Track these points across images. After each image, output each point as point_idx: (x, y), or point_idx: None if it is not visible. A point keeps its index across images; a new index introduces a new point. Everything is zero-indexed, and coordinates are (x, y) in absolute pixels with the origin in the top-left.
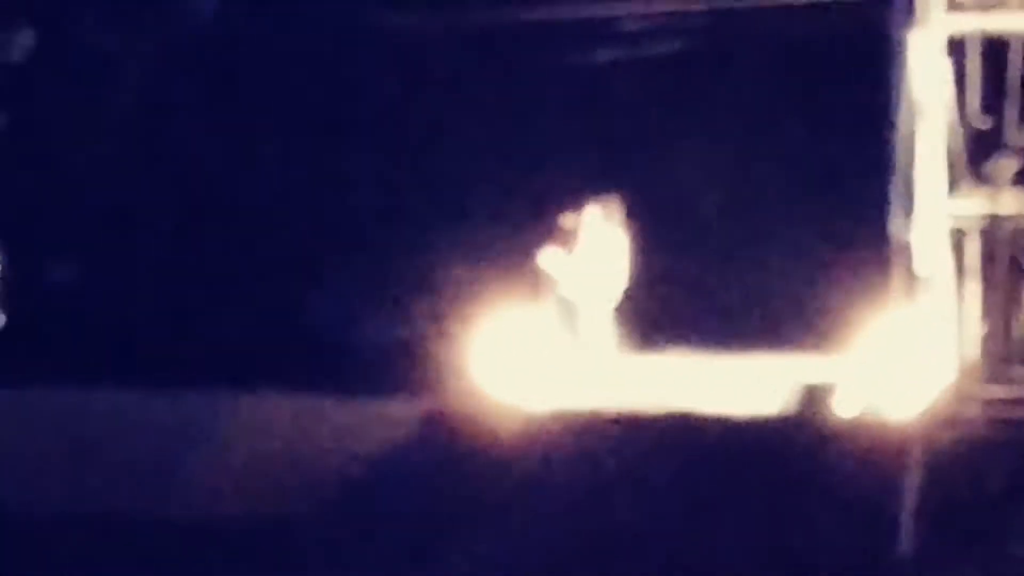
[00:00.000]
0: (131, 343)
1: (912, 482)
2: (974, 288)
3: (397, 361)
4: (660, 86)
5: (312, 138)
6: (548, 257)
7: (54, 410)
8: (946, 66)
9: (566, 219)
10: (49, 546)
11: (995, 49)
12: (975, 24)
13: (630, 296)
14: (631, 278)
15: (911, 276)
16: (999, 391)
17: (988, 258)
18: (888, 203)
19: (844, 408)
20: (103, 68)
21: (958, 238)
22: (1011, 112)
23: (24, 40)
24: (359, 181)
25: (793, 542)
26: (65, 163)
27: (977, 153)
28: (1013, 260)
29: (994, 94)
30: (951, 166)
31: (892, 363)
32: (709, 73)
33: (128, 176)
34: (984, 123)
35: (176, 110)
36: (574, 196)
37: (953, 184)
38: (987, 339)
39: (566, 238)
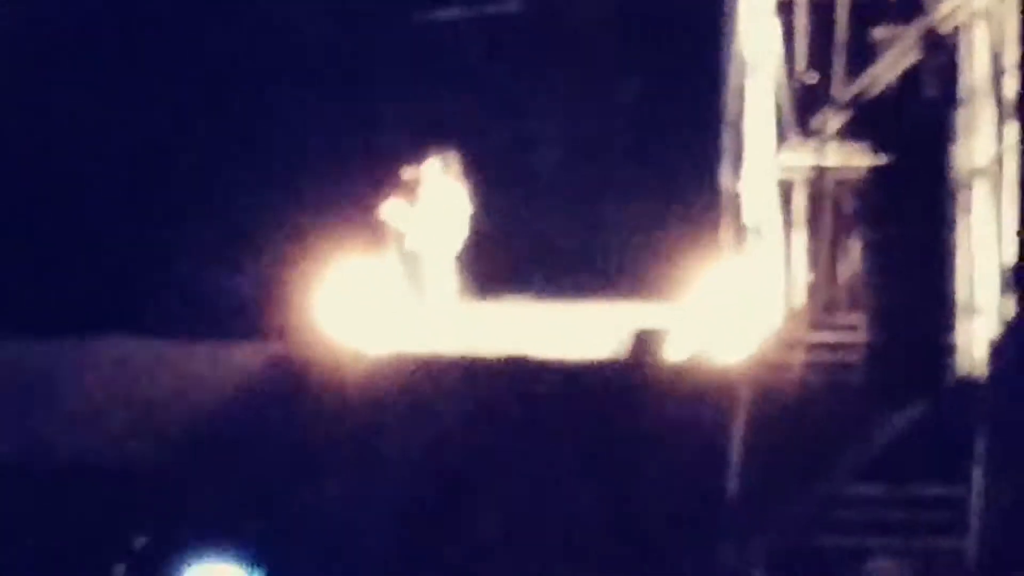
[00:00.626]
0: (12, 300)
1: (741, 424)
2: (801, 237)
3: (247, 309)
4: (500, 43)
5: (166, 94)
6: (390, 208)
7: None
8: (775, 23)
9: (407, 172)
10: None
11: (822, 7)
12: None
13: (469, 245)
14: (471, 228)
15: (740, 226)
16: (824, 336)
17: (814, 209)
18: (719, 155)
19: (676, 352)
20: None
21: (786, 189)
22: (838, 67)
23: None
24: (214, 133)
25: (628, 483)
26: None
27: (804, 107)
28: (838, 210)
29: (821, 50)
30: (779, 120)
31: (722, 309)
32: (546, 30)
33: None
34: (811, 78)
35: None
36: (416, 150)
37: (781, 137)
38: (813, 287)
39: (408, 190)
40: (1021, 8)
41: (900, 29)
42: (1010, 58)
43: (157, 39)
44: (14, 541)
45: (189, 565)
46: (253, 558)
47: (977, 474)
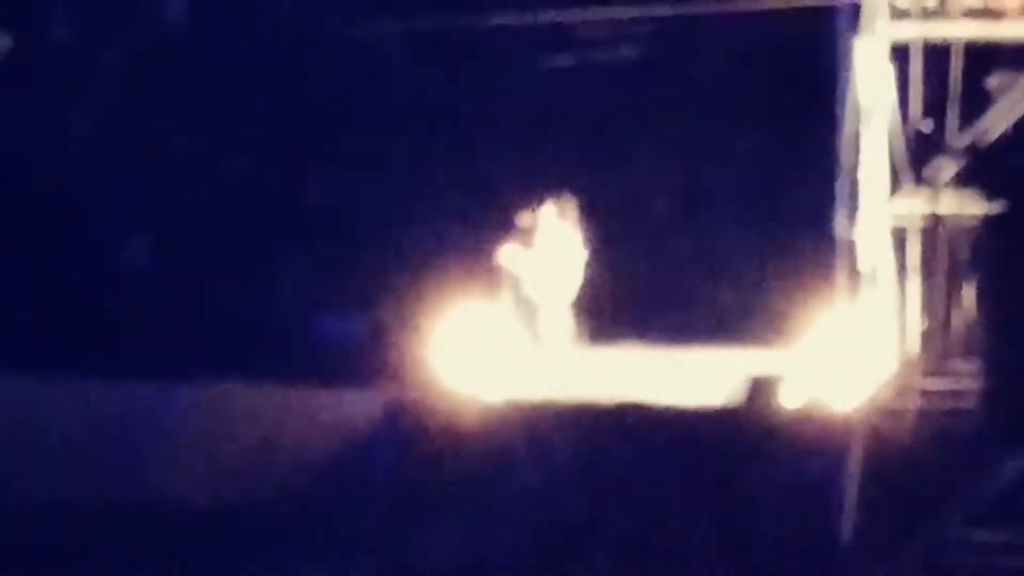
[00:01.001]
0: (101, 335)
1: (854, 471)
2: (915, 285)
3: (361, 354)
4: (616, 91)
5: (279, 138)
6: (507, 254)
7: (20, 399)
8: (890, 72)
9: (524, 218)
10: (16, 535)
11: (937, 55)
12: (918, 31)
13: (585, 292)
14: (586, 275)
15: (855, 274)
16: (938, 384)
17: (928, 256)
18: (834, 204)
19: (790, 399)
20: (75, 69)
21: (900, 237)
22: (952, 116)
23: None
24: (326, 181)
25: (741, 529)
26: (41, 158)
27: (919, 155)
28: (952, 258)
29: (935, 98)
30: (894, 168)
31: (836, 357)
32: (662, 78)
33: (104, 173)
34: (926, 127)
35: (147, 109)
36: (533, 197)
37: (896, 185)
38: (927, 334)
39: (524, 236)
40: None
41: (1014, 77)
42: None
43: (272, 84)
44: None
45: None
46: None
47: None
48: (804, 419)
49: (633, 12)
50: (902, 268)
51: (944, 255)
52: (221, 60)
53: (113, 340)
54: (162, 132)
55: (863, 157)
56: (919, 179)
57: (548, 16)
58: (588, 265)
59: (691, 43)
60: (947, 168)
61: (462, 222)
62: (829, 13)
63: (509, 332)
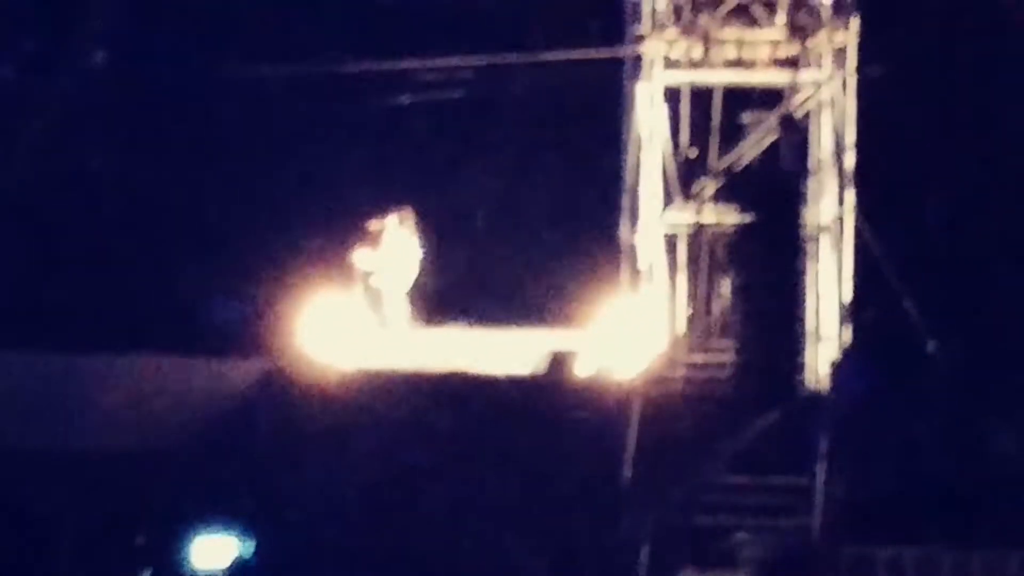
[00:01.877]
0: (45, 320)
1: (634, 427)
2: (683, 279)
3: (242, 332)
4: (446, 124)
5: (188, 160)
6: (359, 254)
7: None
8: (664, 110)
9: (373, 225)
10: None
11: (701, 97)
12: (686, 78)
13: (419, 282)
14: (421, 269)
15: (635, 270)
16: (700, 358)
17: (694, 256)
18: (619, 214)
19: (582, 370)
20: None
21: (671, 241)
22: (713, 145)
23: None
24: (220, 196)
25: (543, 474)
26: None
27: (686, 176)
28: (712, 258)
29: (700, 131)
30: (666, 186)
31: (619, 335)
32: (482, 114)
33: (47, 194)
34: (692, 153)
35: (78, 142)
36: (380, 209)
37: (668, 199)
38: (691, 318)
39: (372, 239)
40: (858, 98)
41: (763, 114)
42: (849, 138)
43: (179, 114)
44: (52, 516)
45: (198, 536)
46: (246, 530)
47: (819, 468)
48: (593, 385)
49: (463, 62)
50: (672, 265)
51: (706, 255)
52: (137, 95)
53: (55, 321)
54: (89, 153)
55: (642, 177)
56: (687, 195)
57: (392, 64)
58: (422, 262)
59: (507, 86)
60: (709, 186)
61: (325, 228)
62: (616, 63)
63: (359, 314)
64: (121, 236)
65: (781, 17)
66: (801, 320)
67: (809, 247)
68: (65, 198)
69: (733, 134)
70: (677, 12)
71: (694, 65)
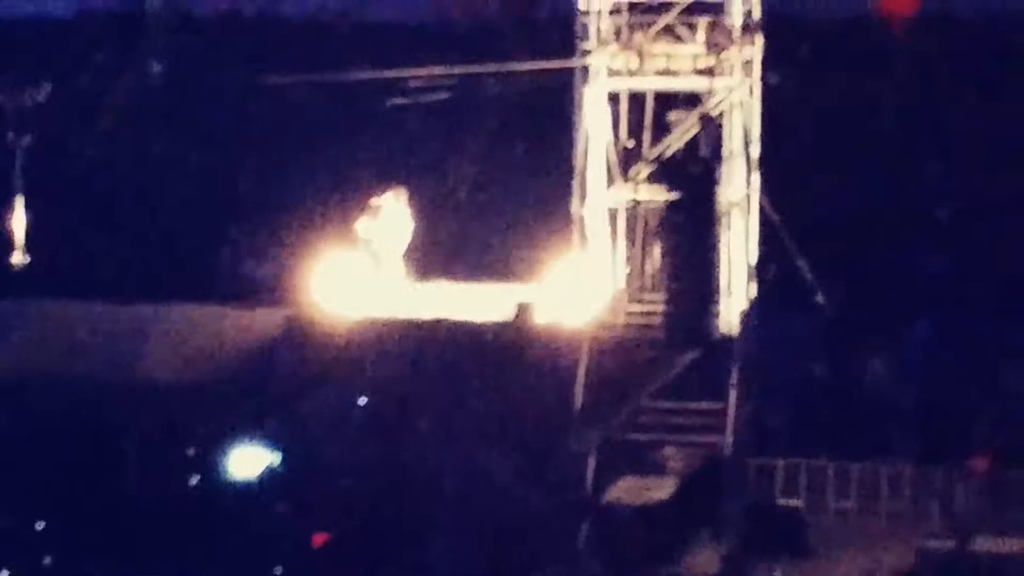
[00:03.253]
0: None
1: (583, 364)
2: (621, 245)
3: (269, 287)
4: (432, 120)
5: (226, 155)
6: (362, 224)
7: (71, 318)
8: (607, 110)
9: (373, 201)
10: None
11: (637, 99)
12: (625, 84)
13: (411, 246)
14: (412, 235)
15: (583, 237)
16: (636, 308)
17: (631, 226)
18: (571, 192)
19: (542, 317)
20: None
21: (613, 214)
22: (646, 137)
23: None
24: (255, 181)
25: (512, 399)
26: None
27: (625, 162)
28: (645, 228)
29: (636, 126)
30: (609, 170)
31: (571, 290)
32: (462, 112)
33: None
34: (630, 144)
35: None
36: (379, 188)
37: (610, 181)
38: (629, 276)
39: (373, 211)
40: (761, 100)
41: (686, 113)
42: (754, 132)
43: (220, 118)
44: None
45: (236, 449)
46: (273, 445)
47: (731, 395)
48: (551, 329)
49: (447, 71)
50: (613, 234)
51: (640, 226)
52: (187, 97)
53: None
54: (150, 143)
55: (589, 163)
56: (625, 177)
57: (390, 73)
58: (414, 230)
59: (481, 90)
60: (643, 170)
61: (336, 204)
62: (569, 72)
63: (363, 272)
64: (174, 210)
65: (700, 36)
66: (716, 278)
67: (722, 219)
68: (132, 179)
69: (662, 129)
70: (617, 32)
71: (631, 74)
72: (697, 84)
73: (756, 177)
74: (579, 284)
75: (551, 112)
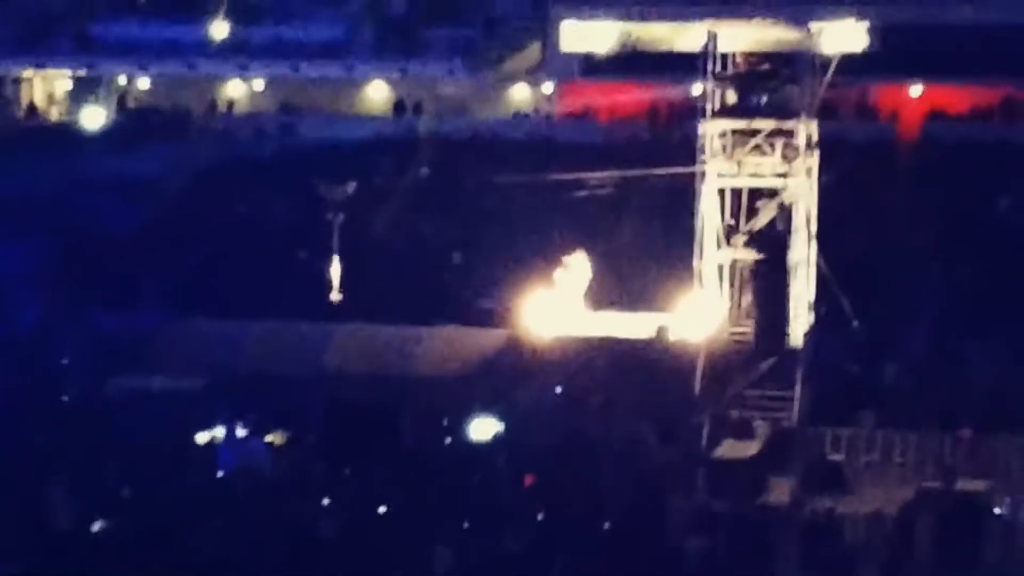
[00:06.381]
0: (393, 308)
1: (700, 366)
2: (725, 289)
3: (494, 313)
4: (604, 207)
5: (468, 229)
6: (559, 273)
7: (368, 335)
8: (716, 199)
9: (565, 259)
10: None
11: (736, 193)
12: (727, 184)
13: (588, 288)
14: (590, 282)
15: (701, 282)
16: (735, 330)
17: (732, 276)
18: (693, 253)
19: (674, 336)
20: None
21: (720, 268)
22: (741, 217)
23: None
24: (485, 247)
25: (654, 389)
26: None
27: (728, 234)
28: (741, 278)
29: (735, 209)
30: (717, 238)
31: (693, 318)
32: (623, 202)
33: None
34: (731, 221)
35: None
36: (569, 250)
37: (719, 245)
38: (730, 309)
39: (565, 265)
40: (818, 194)
41: (769, 201)
42: (813, 215)
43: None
44: (394, 416)
45: (474, 420)
46: (499, 419)
47: (796, 386)
48: (680, 344)
49: (611, 177)
50: (720, 281)
51: (738, 276)
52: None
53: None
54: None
55: (706, 234)
56: (728, 243)
57: (576, 175)
58: (591, 278)
59: (636, 186)
60: (740, 239)
61: (542, 260)
62: (692, 175)
63: (559, 306)
64: (435, 264)
65: (778, 151)
66: (787, 310)
67: (791, 272)
68: (406, 245)
69: (752, 212)
70: (724, 148)
71: (732, 176)
72: (776, 183)
73: (814, 244)
74: (698, 314)
75: (681, 200)
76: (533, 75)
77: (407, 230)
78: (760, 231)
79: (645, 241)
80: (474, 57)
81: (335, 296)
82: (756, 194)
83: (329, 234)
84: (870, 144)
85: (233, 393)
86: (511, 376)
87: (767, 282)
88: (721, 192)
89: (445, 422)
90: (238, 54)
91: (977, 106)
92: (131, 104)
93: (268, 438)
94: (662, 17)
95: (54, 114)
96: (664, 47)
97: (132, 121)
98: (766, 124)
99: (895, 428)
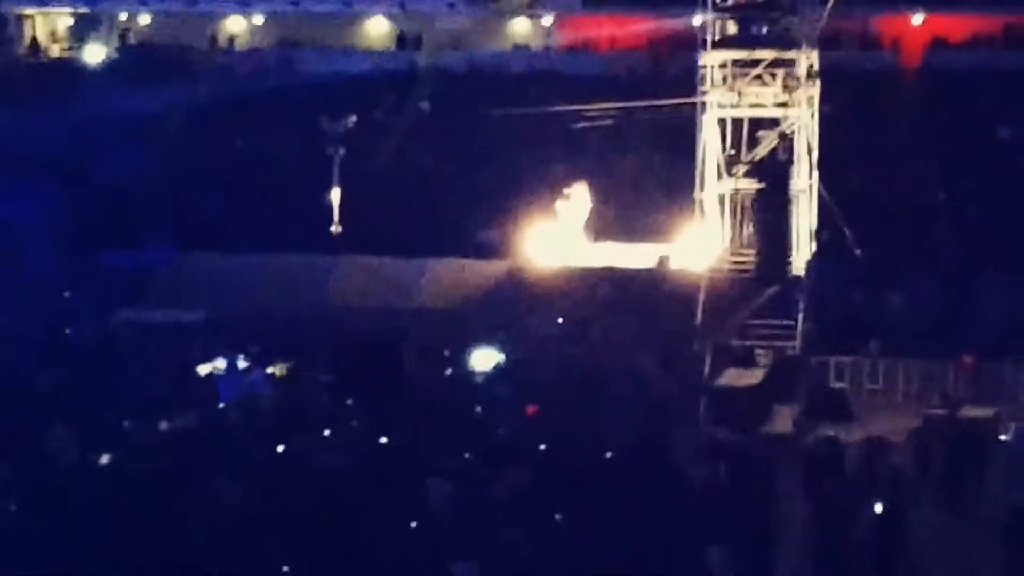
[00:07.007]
0: (395, 240)
1: (702, 295)
2: (726, 219)
3: (495, 245)
4: (604, 139)
5: (474, 165)
6: (559, 204)
7: (369, 267)
8: (717, 129)
9: (567, 190)
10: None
11: (737, 122)
12: (728, 114)
13: (590, 220)
14: (590, 213)
15: (702, 212)
16: (736, 259)
17: (733, 207)
18: (694, 182)
19: (675, 265)
20: None
21: (721, 198)
22: (742, 147)
23: None
24: (486, 180)
25: (656, 318)
26: None
27: (729, 163)
28: (742, 207)
29: (736, 140)
30: (718, 168)
31: (694, 247)
32: (623, 133)
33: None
34: (732, 151)
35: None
36: (569, 182)
37: (719, 176)
38: (732, 238)
39: (565, 197)
40: (819, 123)
41: (769, 132)
42: (813, 143)
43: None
44: (400, 343)
45: (474, 351)
46: (500, 348)
47: (799, 317)
48: (681, 274)
49: (611, 105)
50: (721, 210)
51: (739, 206)
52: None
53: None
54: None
55: (706, 164)
56: (729, 173)
57: (576, 107)
58: (591, 209)
59: (635, 118)
60: (741, 169)
61: (544, 193)
62: (693, 105)
63: (559, 237)
64: (434, 197)
65: (779, 81)
66: (789, 239)
67: (793, 200)
68: (407, 177)
69: (753, 142)
70: (724, 79)
71: (733, 106)
72: (777, 112)
73: (815, 173)
74: (699, 243)
75: (682, 131)
76: (533, 8)
77: (408, 163)
78: (761, 161)
79: (646, 172)
80: None
81: (335, 229)
82: (757, 124)
83: (330, 168)
84: (871, 73)
85: (235, 326)
86: (512, 307)
87: (769, 212)
88: (722, 122)
89: (446, 353)
90: None
91: (978, 34)
92: (132, 40)
93: (270, 369)
94: None
95: (56, 51)
96: None
97: (133, 57)
98: (767, 54)
99: (899, 356)
